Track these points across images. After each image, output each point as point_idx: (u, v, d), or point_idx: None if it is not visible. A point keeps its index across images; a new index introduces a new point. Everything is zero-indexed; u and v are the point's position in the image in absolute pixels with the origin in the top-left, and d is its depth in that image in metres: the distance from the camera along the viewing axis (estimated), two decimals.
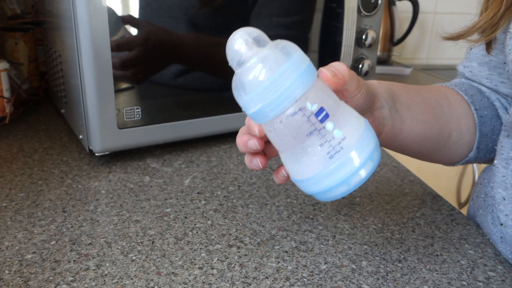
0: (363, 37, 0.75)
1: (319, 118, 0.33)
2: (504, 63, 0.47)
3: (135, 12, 0.61)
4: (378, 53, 1.46)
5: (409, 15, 1.45)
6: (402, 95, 0.47)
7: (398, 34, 1.48)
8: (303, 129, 0.33)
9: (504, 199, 0.46)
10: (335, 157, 0.33)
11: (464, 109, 0.52)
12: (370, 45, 0.76)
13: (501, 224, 0.47)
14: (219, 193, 0.57)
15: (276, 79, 0.32)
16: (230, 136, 0.73)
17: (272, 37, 0.33)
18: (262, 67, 0.32)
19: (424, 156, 0.53)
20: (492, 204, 0.50)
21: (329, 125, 0.33)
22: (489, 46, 0.51)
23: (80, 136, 0.66)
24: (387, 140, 0.47)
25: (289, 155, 0.35)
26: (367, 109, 0.42)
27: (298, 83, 0.32)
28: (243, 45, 0.32)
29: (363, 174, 0.34)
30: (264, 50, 0.32)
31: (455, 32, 0.51)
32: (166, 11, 0.62)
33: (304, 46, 0.74)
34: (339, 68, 0.37)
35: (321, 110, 0.33)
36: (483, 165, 0.58)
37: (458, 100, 0.53)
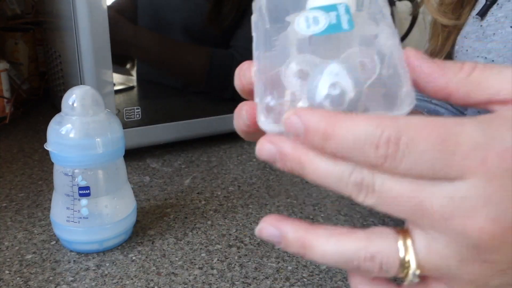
0: None
1: (80, 192, 0.41)
2: None
3: (135, 12, 0.61)
4: None
5: (409, 15, 1.45)
6: None
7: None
8: (66, 188, 0.41)
9: None
10: (70, 222, 0.42)
11: None
12: None
13: None
14: (219, 193, 0.57)
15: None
16: (230, 136, 0.73)
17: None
18: None
19: None
20: None
21: (83, 201, 0.42)
22: None
23: None
24: None
25: (55, 194, 0.44)
26: None
27: (79, 159, 0.40)
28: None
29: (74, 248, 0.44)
30: None
31: None
32: (163, 16, 0.62)
33: None
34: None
35: (86, 188, 0.41)
36: None
37: None
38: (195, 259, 0.43)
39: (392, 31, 0.24)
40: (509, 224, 0.21)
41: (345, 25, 0.23)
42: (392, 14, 1.58)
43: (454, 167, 0.21)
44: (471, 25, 0.44)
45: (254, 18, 0.27)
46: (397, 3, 1.44)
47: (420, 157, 0.21)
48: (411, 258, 0.22)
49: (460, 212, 0.21)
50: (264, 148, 0.24)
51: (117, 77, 0.61)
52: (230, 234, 0.48)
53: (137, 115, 0.63)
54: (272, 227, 0.24)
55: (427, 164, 0.21)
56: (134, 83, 0.64)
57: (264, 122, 0.23)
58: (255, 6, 0.27)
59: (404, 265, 0.22)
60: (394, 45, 0.24)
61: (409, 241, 0.23)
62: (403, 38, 1.49)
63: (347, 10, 0.24)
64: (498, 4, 0.41)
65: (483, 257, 0.22)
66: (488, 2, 0.42)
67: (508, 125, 0.20)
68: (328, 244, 0.23)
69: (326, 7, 0.24)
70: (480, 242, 0.21)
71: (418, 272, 0.22)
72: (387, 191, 0.22)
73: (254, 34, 0.26)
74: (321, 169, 0.23)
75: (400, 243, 0.23)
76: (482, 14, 0.42)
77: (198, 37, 0.66)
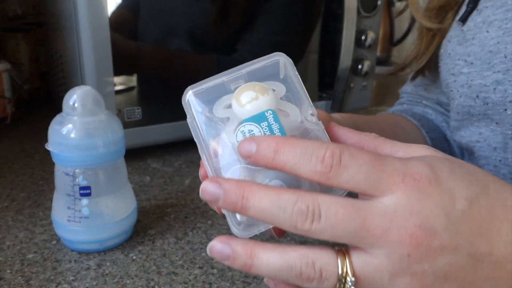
0: (363, 37, 0.76)
1: (81, 191, 0.41)
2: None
3: (136, 13, 0.61)
4: (377, 54, 1.46)
5: (409, 15, 1.45)
6: (364, 129, 0.45)
7: (397, 35, 1.48)
8: (67, 188, 0.42)
9: None
10: (71, 222, 0.42)
11: (416, 134, 0.54)
12: (369, 46, 0.77)
13: None
14: None
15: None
16: None
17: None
18: None
19: None
20: None
21: (84, 201, 0.42)
22: (416, 75, 0.56)
23: None
24: None
25: (57, 194, 0.44)
26: None
27: (80, 159, 0.41)
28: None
29: (78, 246, 0.44)
30: None
31: (397, 65, 0.57)
32: (166, 22, 0.63)
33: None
34: None
35: (87, 188, 0.41)
36: None
37: (410, 125, 0.54)
38: (195, 259, 0.44)
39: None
40: (432, 231, 0.24)
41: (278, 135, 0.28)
42: (392, 15, 1.57)
43: (383, 180, 0.25)
44: (454, 29, 0.46)
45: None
46: (396, 3, 1.44)
47: (358, 169, 0.25)
48: (348, 267, 0.25)
49: (394, 224, 0.25)
50: (207, 188, 0.26)
51: (117, 78, 0.61)
52: (230, 234, 0.48)
53: (138, 115, 0.63)
54: (222, 243, 0.27)
55: (363, 175, 0.25)
56: (135, 84, 0.64)
57: (237, 233, 0.28)
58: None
59: (342, 274, 0.25)
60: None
61: (347, 257, 0.25)
62: (402, 39, 1.49)
63: (275, 118, 0.28)
64: (477, 10, 0.43)
65: (412, 269, 0.24)
66: (468, 8, 0.44)
67: (418, 162, 0.26)
68: (273, 252, 0.26)
69: (256, 118, 0.28)
70: (411, 249, 0.24)
71: (353, 279, 0.25)
72: (334, 214, 0.25)
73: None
74: (265, 199, 0.25)
75: (339, 258, 0.26)
76: (464, 19, 0.44)
77: (202, 41, 0.66)
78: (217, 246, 0.27)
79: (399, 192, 0.25)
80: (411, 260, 0.24)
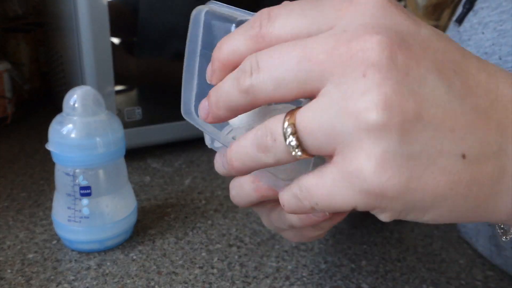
0: None
1: (81, 191, 0.42)
2: None
3: (136, 13, 0.62)
4: None
5: None
6: None
7: None
8: (67, 188, 0.42)
9: None
10: (71, 222, 0.42)
11: None
12: None
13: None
14: (220, 193, 0.57)
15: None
16: None
17: None
18: None
19: None
20: None
21: (84, 201, 0.42)
22: None
23: None
24: None
25: (57, 194, 0.44)
26: None
27: (80, 159, 0.41)
28: None
29: (76, 247, 0.44)
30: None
31: None
32: (165, 22, 0.63)
33: None
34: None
35: (87, 188, 0.42)
36: None
37: None
38: (195, 259, 0.44)
39: None
40: (398, 41, 0.21)
41: None
42: None
43: (325, 11, 0.22)
44: (451, 30, 0.46)
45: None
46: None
47: (290, 12, 0.23)
48: (289, 115, 0.22)
49: (341, 39, 0.21)
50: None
51: (118, 78, 0.61)
52: (230, 234, 0.48)
53: (138, 115, 0.63)
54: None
55: (298, 15, 0.23)
56: (135, 84, 0.64)
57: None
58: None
59: (283, 124, 0.22)
60: None
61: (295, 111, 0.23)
62: None
63: None
64: (473, 11, 0.43)
65: (383, 76, 0.20)
66: (465, 9, 0.44)
67: None
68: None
69: None
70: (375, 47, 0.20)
71: (292, 128, 0.22)
72: (270, 57, 0.22)
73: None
74: (224, 82, 0.25)
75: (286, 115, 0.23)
76: (460, 20, 0.44)
77: None
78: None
79: (348, 15, 0.22)
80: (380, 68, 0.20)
